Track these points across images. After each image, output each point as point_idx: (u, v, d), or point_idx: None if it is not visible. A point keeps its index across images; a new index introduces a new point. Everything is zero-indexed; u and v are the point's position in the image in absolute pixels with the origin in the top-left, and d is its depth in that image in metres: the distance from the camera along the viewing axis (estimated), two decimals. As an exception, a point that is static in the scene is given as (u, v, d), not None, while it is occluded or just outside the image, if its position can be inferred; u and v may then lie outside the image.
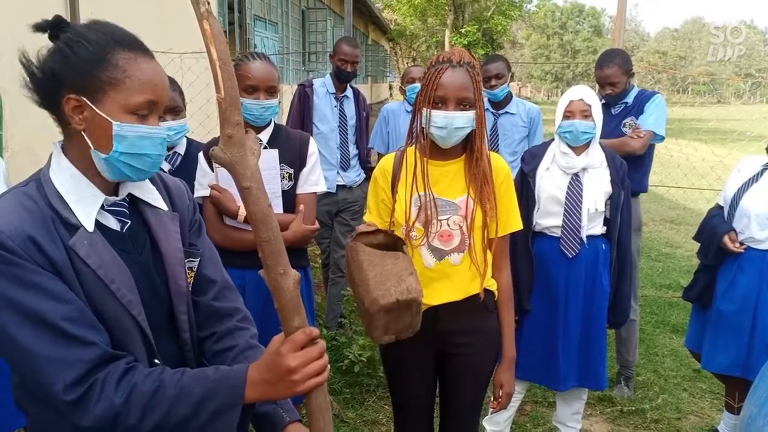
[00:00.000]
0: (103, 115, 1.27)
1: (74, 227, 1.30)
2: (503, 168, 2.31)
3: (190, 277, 1.52)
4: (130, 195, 1.43)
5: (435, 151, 2.24)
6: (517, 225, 2.35)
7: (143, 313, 1.35)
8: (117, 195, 1.41)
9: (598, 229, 3.03)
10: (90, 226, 1.32)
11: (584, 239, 2.98)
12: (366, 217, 2.38)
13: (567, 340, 3.03)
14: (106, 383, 1.23)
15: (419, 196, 2.22)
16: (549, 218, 3.01)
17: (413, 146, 2.28)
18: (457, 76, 2.13)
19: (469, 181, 2.23)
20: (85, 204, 1.33)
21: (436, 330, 2.27)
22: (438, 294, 2.26)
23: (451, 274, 2.26)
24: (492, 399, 2.45)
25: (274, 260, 1.17)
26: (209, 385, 1.26)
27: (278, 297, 1.18)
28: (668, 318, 5.47)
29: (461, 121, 2.15)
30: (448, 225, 2.24)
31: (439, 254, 2.25)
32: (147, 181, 1.47)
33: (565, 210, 2.96)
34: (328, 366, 1.26)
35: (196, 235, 1.59)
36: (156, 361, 1.37)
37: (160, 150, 1.35)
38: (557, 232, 3.00)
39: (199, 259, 1.54)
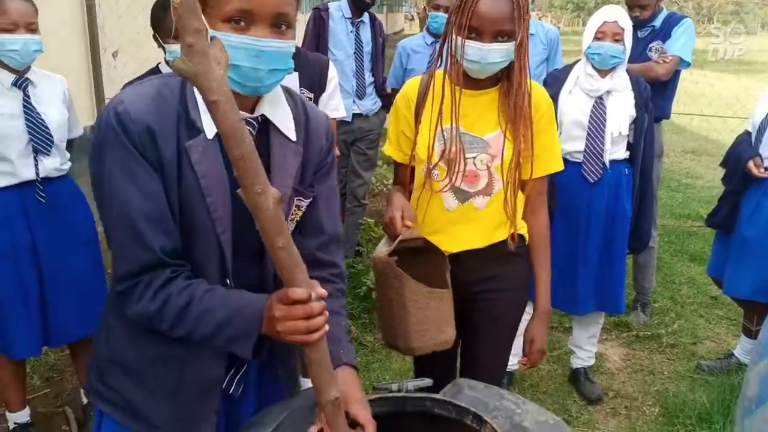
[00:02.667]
0: (205, 23, 1.23)
1: (197, 130, 1.31)
2: (544, 100, 2.03)
3: (296, 215, 1.48)
4: (263, 116, 1.40)
5: (466, 78, 1.94)
6: (557, 165, 2.08)
7: (229, 233, 1.35)
8: (252, 113, 1.38)
9: (621, 153, 2.99)
10: (210, 133, 1.31)
11: (607, 164, 2.94)
12: (385, 149, 2.17)
13: (587, 264, 3.03)
14: (147, 289, 1.29)
15: (443, 129, 1.97)
16: (571, 143, 2.97)
17: (442, 69, 2.01)
18: (497, 4, 1.81)
19: (504, 115, 1.95)
20: None
21: (457, 278, 1.98)
22: (459, 240, 2.04)
23: (474, 219, 2.04)
24: (522, 355, 2.22)
25: (251, 178, 1.06)
26: (230, 311, 1.28)
27: (258, 217, 1.09)
28: (687, 247, 5.45)
29: (497, 55, 1.85)
30: (475, 165, 1.98)
31: (463, 196, 2.02)
32: (286, 106, 1.43)
33: (588, 134, 2.92)
34: (324, 328, 1.19)
35: (322, 178, 1.53)
36: (228, 281, 1.39)
37: (257, 63, 1.26)
38: (579, 157, 2.97)
39: (309, 201, 1.49)
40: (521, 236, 2.10)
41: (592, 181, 2.94)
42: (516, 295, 2.15)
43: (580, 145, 2.95)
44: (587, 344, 3.35)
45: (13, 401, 2.81)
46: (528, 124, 1.95)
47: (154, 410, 1.43)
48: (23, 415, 2.84)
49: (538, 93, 2.02)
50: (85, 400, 3.01)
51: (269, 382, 1.58)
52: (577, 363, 3.40)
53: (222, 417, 1.50)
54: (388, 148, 2.15)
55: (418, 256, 1.91)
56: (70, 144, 2.85)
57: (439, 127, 1.97)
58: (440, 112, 1.96)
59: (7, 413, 2.84)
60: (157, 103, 1.29)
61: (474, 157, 1.98)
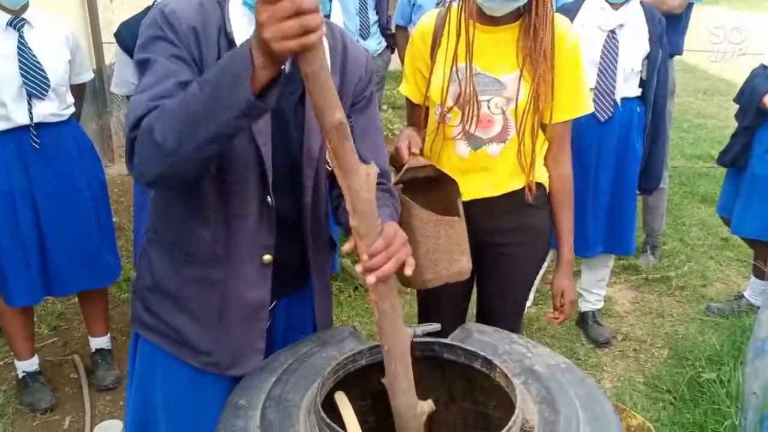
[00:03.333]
0: None
1: (234, 45, 1.29)
2: (569, 35, 1.83)
3: None
4: None
5: (483, 12, 1.78)
6: (584, 108, 1.90)
7: (270, 144, 1.34)
8: None
9: (633, 90, 2.89)
10: None
11: (618, 101, 2.85)
12: (402, 88, 2.02)
13: (596, 205, 2.97)
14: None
15: (458, 69, 1.81)
16: (581, 80, 2.87)
17: (458, 2, 1.84)
18: None
19: (523, 54, 1.77)
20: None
21: (470, 227, 1.83)
22: (471, 188, 1.89)
23: (488, 167, 1.90)
24: (554, 313, 2.12)
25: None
26: (217, 66, 1.13)
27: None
28: (697, 188, 5.38)
29: None
30: (489, 108, 1.82)
31: (476, 143, 1.87)
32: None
33: (599, 70, 2.81)
34: (321, 29, 1.02)
35: (360, 111, 1.49)
36: (268, 198, 1.37)
37: None
38: (590, 94, 2.87)
39: None
40: (541, 186, 1.95)
41: (603, 120, 2.86)
42: (533, 249, 2.02)
43: (591, 82, 2.84)
44: (596, 287, 3.31)
45: (21, 350, 2.81)
46: (549, 62, 1.76)
47: (201, 336, 1.43)
48: (32, 364, 2.84)
49: (564, 27, 1.83)
50: (93, 348, 3.01)
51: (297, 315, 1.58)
52: (585, 306, 3.37)
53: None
54: (405, 87, 2.00)
55: (428, 187, 1.82)
56: (80, 89, 2.77)
57: (453, 67, 1.81)
58: (456, 51, 1.80)
59: (16, 362, 2.85)
60: (201, 11, 1.30)
61: (488, 100, 1.82)
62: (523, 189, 1.90)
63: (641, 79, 2.89)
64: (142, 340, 1.53)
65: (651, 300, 3.74)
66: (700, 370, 2.87)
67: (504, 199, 1.93)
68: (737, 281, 3.93)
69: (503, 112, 1.83)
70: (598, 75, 2.82)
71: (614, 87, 2.82)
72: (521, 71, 1.78)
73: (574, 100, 1.87)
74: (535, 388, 1.28)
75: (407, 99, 2.02)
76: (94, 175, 2.68)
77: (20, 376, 2.84)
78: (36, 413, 2.75)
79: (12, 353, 2.89)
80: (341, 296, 3.68)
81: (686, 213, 4.92)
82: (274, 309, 1.50)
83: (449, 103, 1.84)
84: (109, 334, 3.03)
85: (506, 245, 1.98)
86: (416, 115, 2.01)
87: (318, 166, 1.44)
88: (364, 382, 1.51)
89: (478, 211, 1.92)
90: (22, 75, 2.39)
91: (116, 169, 5.06)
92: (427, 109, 1.96)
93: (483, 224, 1.93)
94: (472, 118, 1.82)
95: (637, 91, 2.90)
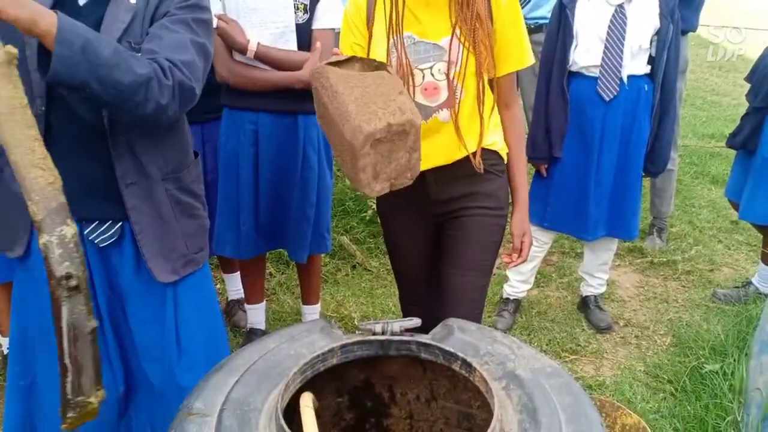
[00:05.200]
0: None
1: None
2: None
3: None
4: None
5: None
6: (525, 60, 1.86)
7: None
8: None
9: (642, 68, 2.75)
10: None
11: (624, 79, 2.71)
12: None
13: (599, 188, 2.85)
14: None
15: (395, 40, 1.77)
16: (587, 56, 2.73)
17: None
18: None
19: (456, 17, 1.74)
20: None
21: (428, 198, 1.92)
22: (425, 158, 1.70)
23: (440, 133, 1.84)
24: (510, 255, 2.04)
25: None
26: None
27: None
28: (708, 169, 5.23)
29: None
30: (432, 75, 1.78)
31: (425, 112, 1.80)
32: None
33: (606, 46, 2.67)
34: None
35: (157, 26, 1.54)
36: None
37: None
38: (595, 72, 2.73)
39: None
40: (495, 153, 1.92)
41: (608, 99, 2.72)
42: (494, 215, 1.95)
43: (597, 59, 2.71)
44: (598, 271, 3.20)
45: (6, 325, 2.74)
46: (485, 27, 1.74)
47: None
48: (16, 341, 2.77)
49: None
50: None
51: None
52: (587, 290, 3.27)
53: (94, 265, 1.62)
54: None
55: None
56: None
57: (390, 39, 1.76)
58: (390, 22, 1.75)
59: (1, 338, 2.78)
60: None
61: (431, 67, 1.78)
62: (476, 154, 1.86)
63: (650, 56, 2.75)
64: None
65: (656, 284, 3.63)
66: (703, 360, 2.77)
67: (458, 165, 1.87)
68: (746, 266, 3.81)
69: (447, 77, 1.78)
70: (603, 52, 2.68)
71: (620, 64, 2.68)
72: (455, 35, 1.74)
73: (516, 53, 1.84)
74: (516, 395, 1.18)
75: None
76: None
77: (5, 352, 2.77)
78: (19, 392, 2.69)
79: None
80: (338, 275, 3.59)
81: (696, 194, 4.78)
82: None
83: None
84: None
85: (463, 210, 1.94)
86: None
87: None
88: (341, 378, 1.43)
89: (433, 181, 1.89)
90: None
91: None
92: None
93: (440, 194, 1.92)
94: (413, 89, 1.78)
95: (646, 69, 2.76)
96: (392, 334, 1.34)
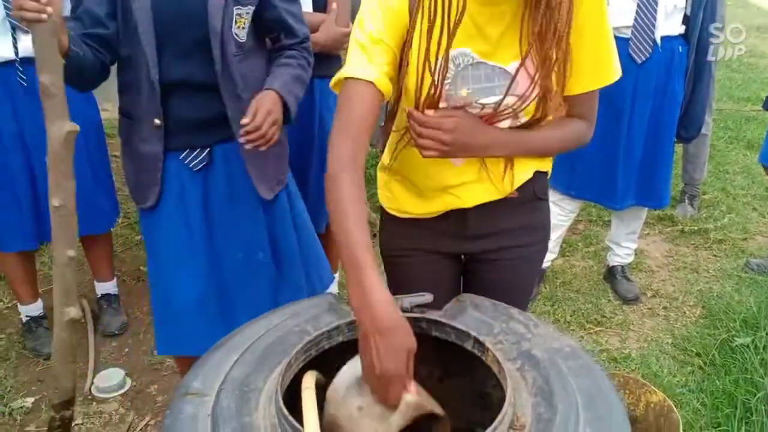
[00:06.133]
0: None
1: None
2: None
3: (240, 23, 1.76)
4: None
5: None
6: (611, 76, 1.37)
7: (151, 34, 1.68)
8: None
9: (676, 28, 2.61)
10: None
11: (657, 41, 2.57)
12: (353, 70, 1.25)
13: (629, 154, 2.74)
14: None
15: (447, 56, 1.28)
16: (620, 17, 2.58)
17: None
18: None
19: (529, 39, 1.26)
20: None
21: (463, 235, 1.54)
22: (468, 197, 1.48)
23: (489, 171, 1.45)
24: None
25: None
26: None
27: None
28: (743, 133, 5.05)
29: None
30: (495, 110, 1.34)
31: None
32: None
33: (639, 6, 2.53)
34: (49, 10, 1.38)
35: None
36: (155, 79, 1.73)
37: None
38: (627, 33, 2.60)
39: (252, 7, 1.77)
40: (545, 174, 1.55)
41: (640, 61, 2.59)
42: (538, 250, 1.62)
43: (629, 20, 2.57)
44: (626, 241, 3.10)
45: (23, 293, 2.73)
46: (564, 46, 1.27)
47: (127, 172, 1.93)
48: (36, 308, 2.77)
49: None
50: (99, 293, 2.93)
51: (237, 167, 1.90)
52: (614, 260, 3.17)
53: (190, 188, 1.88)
54: (360, 69, 1.25)
55: None
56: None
57: (439, 55, 1.27)
58: (441, 29, 1.25)
59: (19, 306, 2.78)
60: None
61: (497, 103, 1.33)
62: (531, 180, 1.50)
63: (685, 15, 2.60)
64: None
65: (686, 254, 3.51)
66: (733, 333, 2.67)
67: (505, 200, 1.50)
68: (781, 235, 3.68)
69: (513, 111, 1.34)
70: (636, 12, 2.54)
71: (654, 25, 2.54)
72: (529, 55, 1.27)
73: (601, 67, 1.36)
74: (531, 376, 1.12)
75: (352, 83, 1.25)
76: (87, 116, 2.52)
77: (24, 320, 2.78)
78: (39, 358, 2.69)
79: (15, 297, 2.82)
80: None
81: (730, 160, 4.62)
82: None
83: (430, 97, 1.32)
84: (115, 279, 2.95)
85: (503, 250, 1.56)
86: (362, 108, 1.24)
87: (225, 39, 1.73)
88: (348, 357, 1.37)
89: (473, 218, 1.52)
90: (5, 6, 2.22)
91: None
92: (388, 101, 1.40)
93: (478, 230, 1.54)
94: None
95: (680, 29, 2.62)
96: (402, 310, 1.27)
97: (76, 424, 2.37)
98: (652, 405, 1.75)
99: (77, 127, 1.48)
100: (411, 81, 1.32)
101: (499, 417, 1.00)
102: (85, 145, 2.51)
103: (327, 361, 1.21)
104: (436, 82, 1.29)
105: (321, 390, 1.16)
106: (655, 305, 3.07)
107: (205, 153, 1.86)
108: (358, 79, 1.24)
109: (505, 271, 1.59)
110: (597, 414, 1.03)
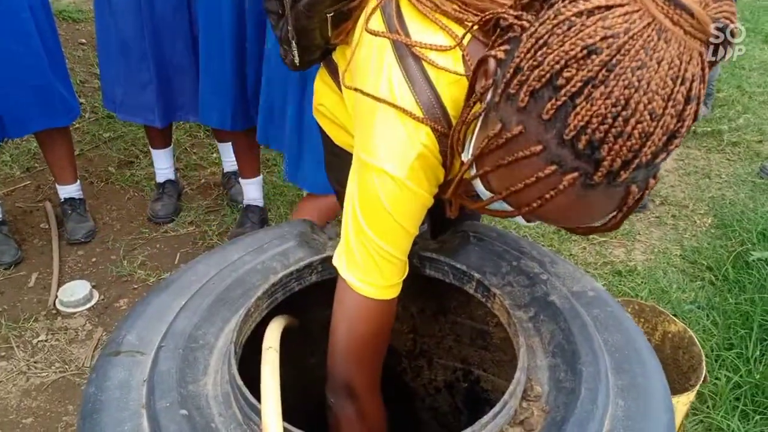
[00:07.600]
0: None
1: None
2: None
3: None
4: None
5: None
6: None
7: None
8: None
9: None
10: None
11: None
12: (359, 284, 0.89)
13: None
14: None
15: None
16: None
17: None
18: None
19: None
20: None
21: None
22: None
23: None
24: None
25: None
26: None
27: None
28: (761, 26, 4.71)
29: None
30: None
31: None
32: None
33: None
34: None
35: None
36: None
37: None
38: None
39: None
40: None
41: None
42: None
43: None
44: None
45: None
46: None
47: None
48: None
49: None
50: (62, 198, 2.69)
51: None
52: (621, 164, 2.94)
53: None
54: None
55: None
56: None
57: None
58: None
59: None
60: None
61: None
62: None
63: None
64: None
65: (698, 157, 3.28)
66: (749, 246, 2.48)
67: None
68: (799, 137, 3.44)
69: None
70: None
71: None
72: None
73: None
74: (548, 331, 0.90)
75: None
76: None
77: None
78: (-1, 267, 2.49)
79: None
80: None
81: (746, 54, 4.31)
82: None
83: None
84: (79, 182, 2.70)
85: None
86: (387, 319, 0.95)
87: None
88: (323, 300, 1.14)
89: None
90: None
91: None
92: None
93: None
94: None
95: None
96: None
97: (39, 341, 2.19)
98: (669, 335, 1.57)
99: None
100: None
101: (510, 388, 0.79)
102: (36, 25, 2.19)
103: (296, 306, 0.99)
104: None
105: (294, 334, 0.96)
106: (663, 213, 2.86)
107: None
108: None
109: None
110: (633, 380, 0.83)
